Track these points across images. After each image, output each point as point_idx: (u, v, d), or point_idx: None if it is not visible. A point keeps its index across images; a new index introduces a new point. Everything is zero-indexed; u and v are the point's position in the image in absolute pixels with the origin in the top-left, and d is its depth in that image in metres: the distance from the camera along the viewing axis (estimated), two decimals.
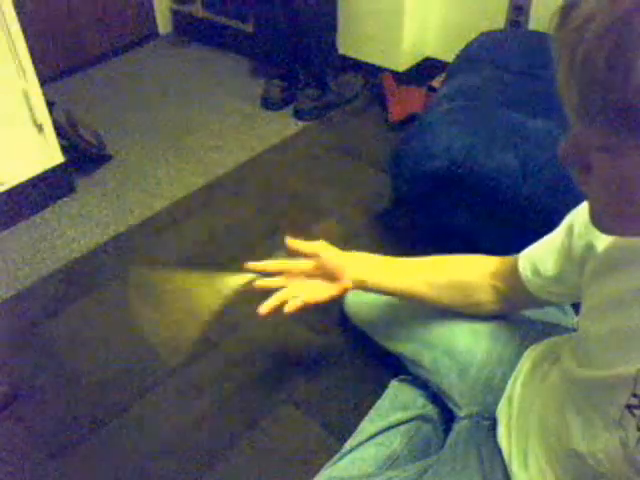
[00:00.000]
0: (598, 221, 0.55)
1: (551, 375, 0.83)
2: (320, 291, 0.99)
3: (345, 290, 1.00)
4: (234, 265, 1.00)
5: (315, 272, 1.00)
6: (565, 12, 0.47)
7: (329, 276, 1.00)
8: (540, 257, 0.82)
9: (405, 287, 1.00)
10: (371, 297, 1.16)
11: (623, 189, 0.49)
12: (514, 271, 0.87)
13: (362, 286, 1.01)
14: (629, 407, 0.58)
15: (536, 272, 0.83)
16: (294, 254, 1.01)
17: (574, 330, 0.94)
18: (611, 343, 0.62)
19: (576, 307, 0.74)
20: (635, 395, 0.57)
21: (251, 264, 1.00)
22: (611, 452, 0.61)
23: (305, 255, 1.00)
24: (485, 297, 0.94)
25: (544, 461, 0.75)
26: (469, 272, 0.96)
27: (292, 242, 1.00)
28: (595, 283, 0.68)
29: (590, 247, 0.69)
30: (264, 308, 0.97)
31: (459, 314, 1.03)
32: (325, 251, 1.00)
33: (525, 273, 0.85)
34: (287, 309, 0.97)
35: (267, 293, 0.99)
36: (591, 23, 0.43)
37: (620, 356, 0.60)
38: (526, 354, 0.92)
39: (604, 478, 0.63)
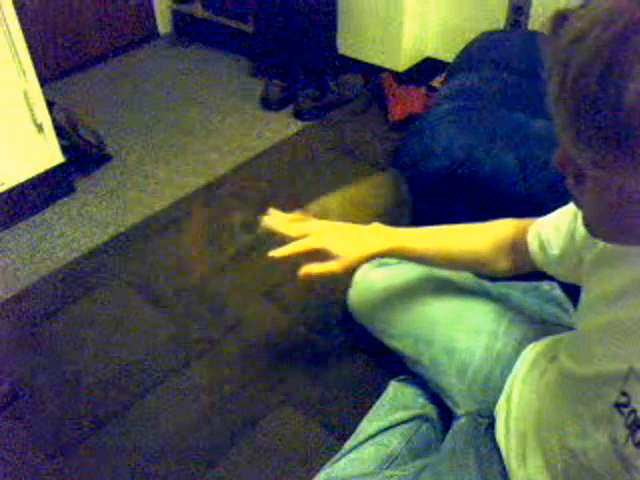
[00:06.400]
0: (589, 227, 0.55)
1: (549, 373, 0.83)
2: (350, 249, 0.93)
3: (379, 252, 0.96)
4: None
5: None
6: (557, 23, 0.46)
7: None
8: (547, 234, 0.83)
9: (425, 250, 0.98)
10: (373, 293, 1.16)
11: (615, 205, 0.49)
12: (526, 240, 0.87)
13: (390, 252, 0.98)
14: (618, 405, 0.58)
15: (542, 248, 0.84)
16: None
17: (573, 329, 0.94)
18: (607, 337, 0.62)
19: (576, 305, 0.74)
20: (624, 393, 0.57)
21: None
22: (602, 449, 0.61)
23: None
24: (498, 265, 0.96)
25: (542, 459, 0.75)
26: (483, 243, 0.96)
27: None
28: (594, 275, 0.68)
29: (590, 236, 0.69)
30: (278, 252, 0.91)
31: (459, 312, 1.03)
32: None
33: (532, 247, 0.86)
34: (311, 271, 0.91)
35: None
36: (584, 40, 0.43)
37: (614, 351, 0.60)
38: (525, 352, 0.92)
39: (597, 475, 0.63)
